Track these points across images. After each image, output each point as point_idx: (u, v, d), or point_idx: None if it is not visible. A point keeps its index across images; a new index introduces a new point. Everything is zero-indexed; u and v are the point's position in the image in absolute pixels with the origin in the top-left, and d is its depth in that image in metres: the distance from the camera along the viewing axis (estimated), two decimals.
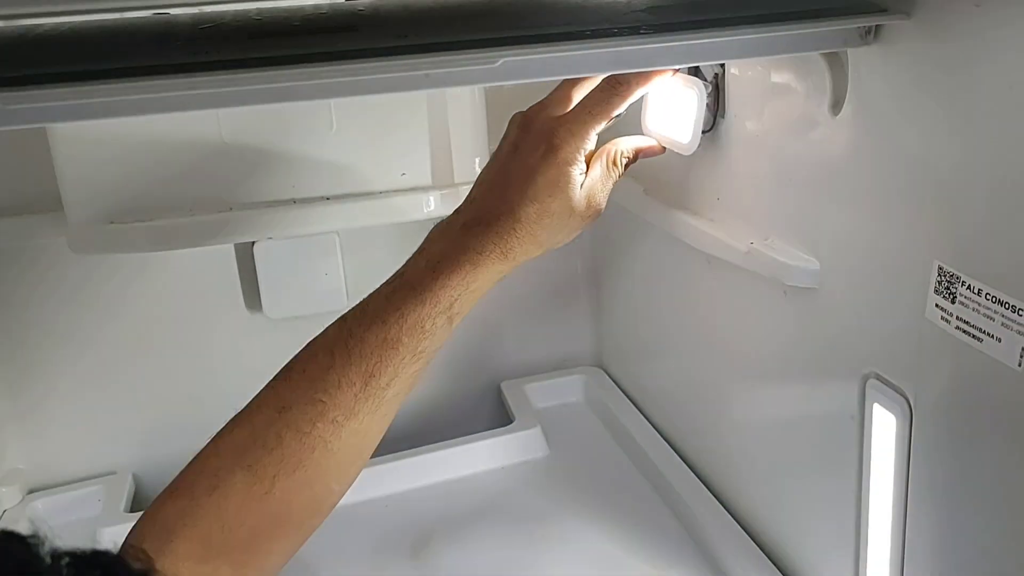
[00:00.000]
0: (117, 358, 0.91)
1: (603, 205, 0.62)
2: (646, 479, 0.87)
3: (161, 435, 0.94)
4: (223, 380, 0.95)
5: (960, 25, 0.44)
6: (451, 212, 0.85)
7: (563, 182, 0.59)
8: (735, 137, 0.67)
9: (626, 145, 0.64)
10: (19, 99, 0.38)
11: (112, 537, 0.81)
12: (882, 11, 0.48)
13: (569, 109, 0.62)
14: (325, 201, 0.82)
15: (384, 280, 0.94)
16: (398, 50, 0.43)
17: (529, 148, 0.61)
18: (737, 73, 0.66)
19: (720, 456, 0.80)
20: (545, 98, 0.64)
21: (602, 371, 1.06)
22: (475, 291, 0.58)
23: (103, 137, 0.75)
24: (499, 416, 1.03)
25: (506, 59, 0.43)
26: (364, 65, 0.41)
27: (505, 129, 0.65)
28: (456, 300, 0.57)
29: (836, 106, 0.55)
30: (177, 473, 0.55)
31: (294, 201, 0.82)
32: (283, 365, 0.57)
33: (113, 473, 0.92)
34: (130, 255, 0.86)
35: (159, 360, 0.92)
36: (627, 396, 0.99)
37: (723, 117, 0.67)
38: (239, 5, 0.46)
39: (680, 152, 0.66)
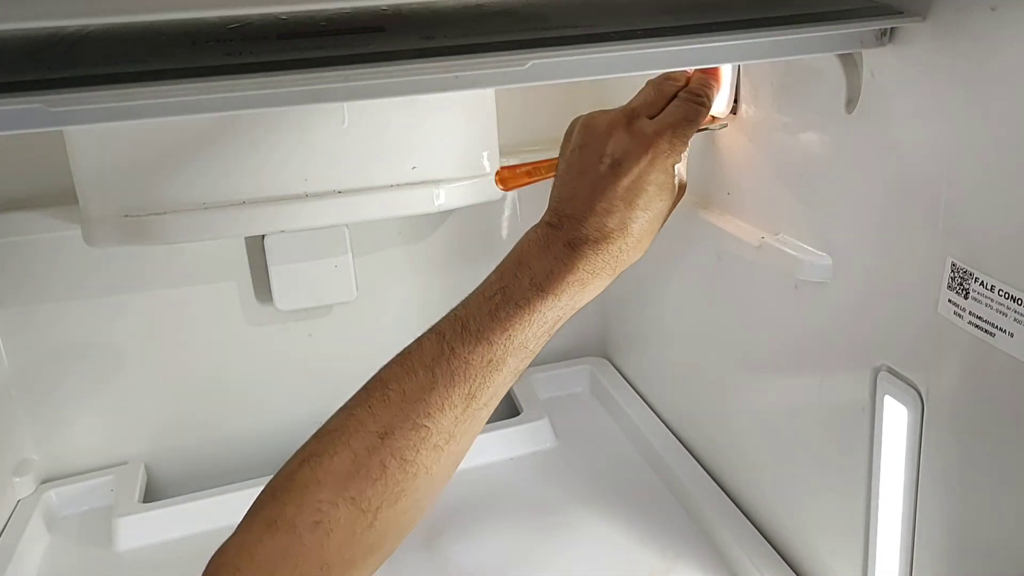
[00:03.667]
0: (129, 349, 0.91)
1: (686, 181, 0.62)
2: (653, 470, 0.88)
3: (173, 425, 0.95)
4: (234, 371, 0.96)
5: (975, 27, 0.45)
6: (472, 211, 0.86)
7: (668, 183, 0.58)
8: (746, 132, 0.68)
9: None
10: (63, 102, 0.38)
11: (127, 527, 0.82)
12: (898, 13, 0.49)
13: (659, 112, 0.59)
14: (336, 195, 0.83)
15: (389, 272, 0.97)
16: (426, 52, 0.44)
17: (631, 160, 0.57)
18: (751, 70, 0.66)
19: (727, 447, 0.81)
20: (629, 104, 0.61)
21: (607, 361, 1.07)
22: (578, 307, 0.56)
23: (118, 132, 0.76)
24: (506, 407, 1.04)
25: (534, 61, 0.44)
26: (396, 67, 0.42)
27: (568, 133, 0.62)
28: (561, 319, 0.55)
29: (850, 104, 0.56)
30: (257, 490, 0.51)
31: (305, 195, 0.82)
32: (372, 375, 0.54)
33: (125, 463, 0.93)
34: (143, 248, 0.87)
35: (171, 351, 0.93)
36: (632, 386, 1.00)
37: (735, 113, 0.68)
38: (262, 8, 0.46)
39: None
